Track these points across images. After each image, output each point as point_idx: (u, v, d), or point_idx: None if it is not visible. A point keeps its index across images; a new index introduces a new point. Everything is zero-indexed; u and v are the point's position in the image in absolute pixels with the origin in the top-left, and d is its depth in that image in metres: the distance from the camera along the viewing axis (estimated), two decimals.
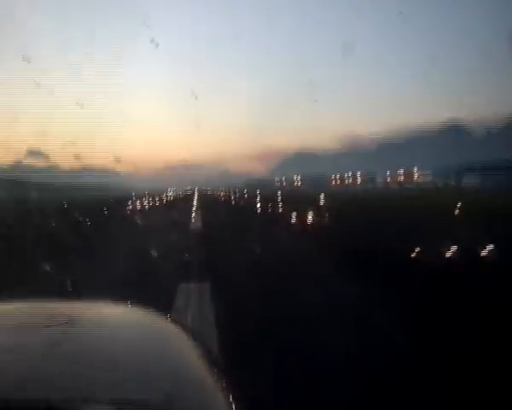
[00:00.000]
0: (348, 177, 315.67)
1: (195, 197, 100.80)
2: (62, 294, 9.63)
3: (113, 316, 2.16)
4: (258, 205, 52.02)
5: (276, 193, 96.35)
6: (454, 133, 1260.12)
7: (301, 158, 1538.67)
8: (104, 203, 60.50)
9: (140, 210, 59.11)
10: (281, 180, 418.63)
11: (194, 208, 56.46)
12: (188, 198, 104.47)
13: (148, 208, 65.68)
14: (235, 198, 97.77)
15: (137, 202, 69.69)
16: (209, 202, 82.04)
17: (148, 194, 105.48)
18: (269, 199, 59.77)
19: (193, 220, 39.18)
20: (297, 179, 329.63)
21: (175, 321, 2.24)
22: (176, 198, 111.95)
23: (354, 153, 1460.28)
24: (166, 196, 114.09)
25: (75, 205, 59.13)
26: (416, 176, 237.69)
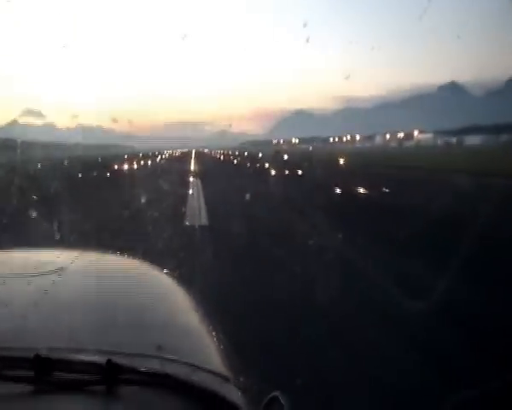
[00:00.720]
0: (346, 137, 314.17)
1: (193, 160, 76.83)
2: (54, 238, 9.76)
3: (104, 266, 2.12)
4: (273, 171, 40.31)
5: (280, 155, 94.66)
6: (453, 93, 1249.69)
7: (298, 118, 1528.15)
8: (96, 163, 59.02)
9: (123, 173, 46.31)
10: (278, 141, 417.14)
11: (191, 177, 35.65)
12: (183, 160, 77.95)
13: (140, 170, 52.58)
14: (237, 159, 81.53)
15: (125, 164, 57.30)
16: (210, 166, 55.39)
17: (142, 155, 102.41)
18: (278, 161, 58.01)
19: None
20: (295, 140, 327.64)
21: (166, 272, 2.15)
22: (169, 160, 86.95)
23: (350, 113, 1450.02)
24: (160, 157, 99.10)
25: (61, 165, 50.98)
26: (415, 135, 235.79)
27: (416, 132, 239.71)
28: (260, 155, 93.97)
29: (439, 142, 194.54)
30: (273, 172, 38.52)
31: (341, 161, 56.37)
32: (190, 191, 23.66)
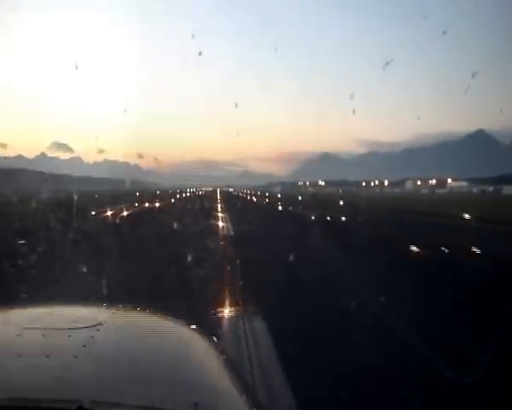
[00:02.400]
0: (374, 181, 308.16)
1: (219, 201, 66.71)
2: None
3: (139, 323, 2.22)
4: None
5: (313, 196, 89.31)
6: (481, 141, 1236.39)
7: (323, 161, 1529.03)
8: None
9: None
10: (304, 183, 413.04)
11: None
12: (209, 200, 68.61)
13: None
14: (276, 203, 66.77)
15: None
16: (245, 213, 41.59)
17: (165, 190, 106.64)
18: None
19: None
20: (322, 183, 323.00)
21: (198, 330, 2.21)
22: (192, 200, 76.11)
23: (375, 157, 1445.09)
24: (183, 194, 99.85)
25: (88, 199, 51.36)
26: (449, 181, 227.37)
27: (449, 180, 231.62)
28: (299, 197, 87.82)
29: (475, 190, 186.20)
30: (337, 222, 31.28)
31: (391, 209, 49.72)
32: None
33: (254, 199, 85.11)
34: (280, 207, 56.87)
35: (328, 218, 36.92)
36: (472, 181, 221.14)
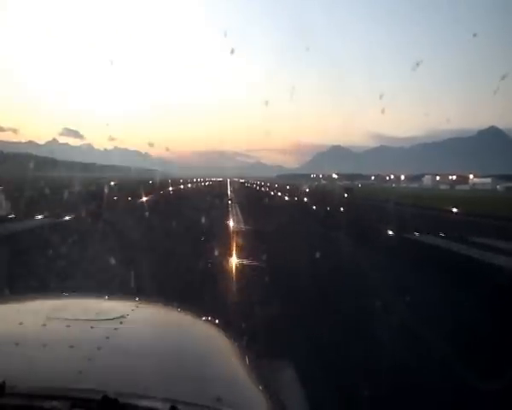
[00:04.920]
0: (389, 175, 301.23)
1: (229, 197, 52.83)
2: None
3: (162, 316, 2.25)
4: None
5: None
6: (493, 137, 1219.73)
7: (334, 154, 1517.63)
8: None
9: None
10: (317, 175, 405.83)
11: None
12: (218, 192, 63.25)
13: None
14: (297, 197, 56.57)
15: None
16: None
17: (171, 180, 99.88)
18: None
19: None
20: (334, 176, 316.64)
21: (219, 326, 2.22)
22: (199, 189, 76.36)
23: (386, 151, 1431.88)
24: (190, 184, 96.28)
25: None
26: (471, 178, 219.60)
27: (471, 176, 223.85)
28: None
29: (499, 187, 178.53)
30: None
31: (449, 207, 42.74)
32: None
33: (284, 197, 59.40)
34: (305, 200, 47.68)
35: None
36: (495, 178, 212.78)
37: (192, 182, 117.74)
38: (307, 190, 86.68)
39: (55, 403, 1.15)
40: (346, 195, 64.91)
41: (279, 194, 68.52)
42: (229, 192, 64.83)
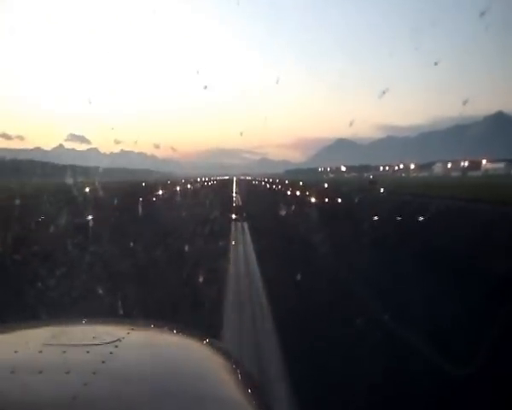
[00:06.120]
0: (398, 165, 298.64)
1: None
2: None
3: (158, 339, 2.21)
4: None
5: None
6: (500, 123, 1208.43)
7: (339, 146, 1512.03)
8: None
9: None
10: (325, 169, 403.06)
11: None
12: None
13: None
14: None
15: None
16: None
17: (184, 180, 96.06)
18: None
19: None
20: (343, 168, 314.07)
21: (217, 347, 2.18)
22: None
23: (392, 141, 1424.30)
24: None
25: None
26: (484, 164, 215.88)
27: (484, 161, 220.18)
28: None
29: None
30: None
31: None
32: None
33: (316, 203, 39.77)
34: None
35: None
36: (508, 162, 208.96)
37: (191, 182, 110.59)
38: (326, 186, 76.47)
39: None
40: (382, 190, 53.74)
41: (310, 199, 43.23)
42: (234, 197, 52.12)
